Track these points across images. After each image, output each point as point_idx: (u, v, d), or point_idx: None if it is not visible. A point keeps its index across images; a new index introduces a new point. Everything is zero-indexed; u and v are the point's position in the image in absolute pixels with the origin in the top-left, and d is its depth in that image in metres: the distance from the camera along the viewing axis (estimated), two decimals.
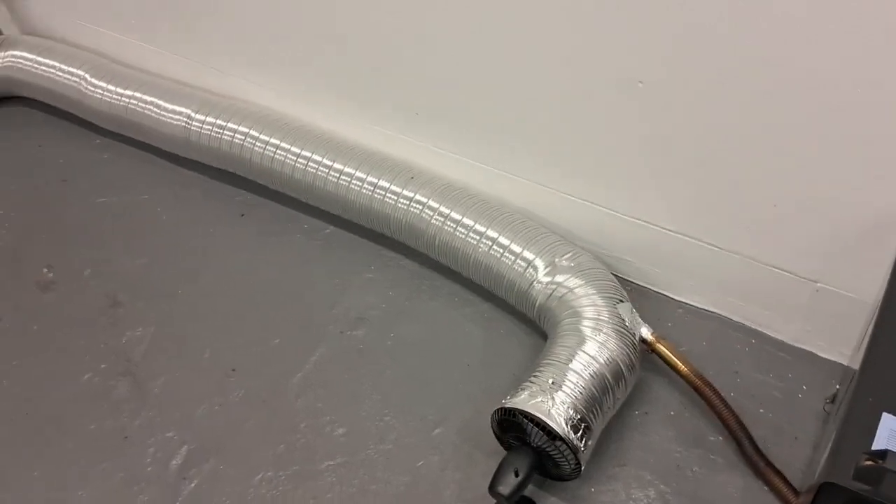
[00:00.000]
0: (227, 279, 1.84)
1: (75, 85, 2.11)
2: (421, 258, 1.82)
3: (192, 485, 1.50)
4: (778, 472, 1.39)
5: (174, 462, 1.53)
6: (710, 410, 1.47)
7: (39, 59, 2.17)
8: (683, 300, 1.70)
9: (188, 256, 1.89)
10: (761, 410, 1.52)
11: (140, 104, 2.01)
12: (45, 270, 1.88)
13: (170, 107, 1.97)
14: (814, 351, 1.59)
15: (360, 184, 1.76)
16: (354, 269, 1.84)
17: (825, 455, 0.96)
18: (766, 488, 1.41)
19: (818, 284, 1.46)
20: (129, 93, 2.03)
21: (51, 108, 2.24)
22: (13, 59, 2.20)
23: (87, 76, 2.10)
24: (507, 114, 1.62)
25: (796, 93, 1.24)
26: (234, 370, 1.67)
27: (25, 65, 2.19)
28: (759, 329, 1.63)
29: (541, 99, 1.54)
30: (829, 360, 1.57)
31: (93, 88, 2.08)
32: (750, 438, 1.43)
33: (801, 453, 1.46)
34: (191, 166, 2.07)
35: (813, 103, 1.24)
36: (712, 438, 1.49)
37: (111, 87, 2.06)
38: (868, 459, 0.90)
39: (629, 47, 1.34)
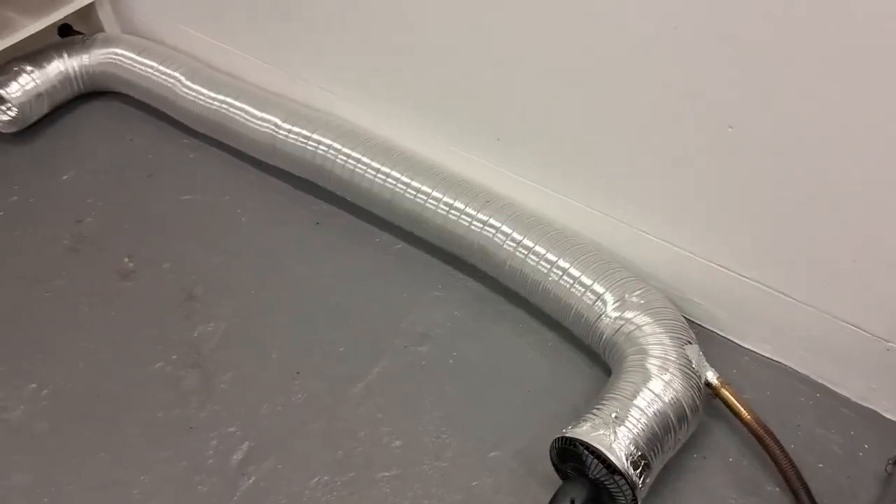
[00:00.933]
0: (298, 284, 1.89)
1: (170, 86, 2.19)
2: (489, 281, 1.85)
3: (251, 481, 1.54)
4: None
5: (235, 457, 1.58)
6: (769, 460, 1.46)
7: (138, 58, 2.27)
8: (750, 347, 1.70)
9: (263, 258, 1.95)
10: (820, 465, 1.51)
11: (231, 109, 2.09)
12: (127, 260, 1.95)
13: (259, 114, 2.04)
14: (878, 410, 1.57)
15: (437, 203, 1.80)
16: (422, 286, 1.87)
17: None
18: None
19: (889, 344, 1.45)
20: (220, 97, 2.11)
21: (144, 106, 2.33)
22: (114, 56, 2.30)
23: (182, 78, 2.19)
24: (589, 147, 1.64)
25: (887, 151, 1.25)
26: (298, 372, 1.71)
27: (125, 62, 2.28)
28: (825, 383, 1.62)
29: (625, 136, 1.56)
30: (894, 422, 1.55)
31: (186, 90, 2.16)
32: (808, 491, 1.41)
33: None
34: (272, 172, 2.13)
35: None
36: (769, 488, 1.48)
37: (204, 91, 2.14)
38: None
39: (725, 90, 1.35)
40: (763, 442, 1.45)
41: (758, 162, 1.41)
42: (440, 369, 1.71)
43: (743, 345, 1.70)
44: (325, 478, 1.54)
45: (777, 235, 1.48)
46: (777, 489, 1.48)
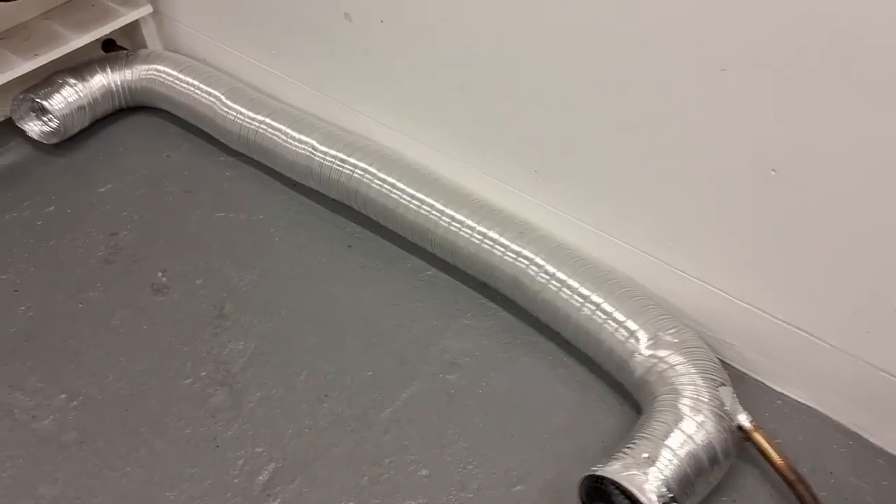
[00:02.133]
0: (328, 306, 1.89)
1: (211, 104, 2.22)
2: (519, 312, 1.84)
3: (276, 503, 1.54)
4: None
5: (260, 477, 1.58)
6: None
7: (180, 75, 2.30)
8: (783, 391, 1.68)
9: (294, 279, 1.96)
10: None
11: (269, 130, 2.11)
12: (160, 274, 1.97)
13: (297, 135, 2.06)
14: None
15: (471, 232, 1.80)
16: (453, 314, 1.87)
17: None
18: None
19: None
20: (260, 118, 2.13)
21: (183, 122, 2.36)
22: (156, 73, 2.34)
23: (222, 97, 2.21)
24: (627, 182, 1.64)
25: None
26: (326, 395, 1.71)
27: (167, 79, 2.32)
28: (859, 432, 1.59)
29: (669, 176, 1.55)
30: None
31: (227, 110, 2.19)
32: None
33: None
34: (307, 194, 2.15)
35: None
36: None
37: (244, 111, 2.16)
38: None
39: (771, 132, 1.35)
40: (795, 488, 1.42)
41: (799, 206, 1.40)
42: (468, 399, 1.70)
43: (776, 388, 1.68)
44: (351, 503, 1.54)
45: (816, 279, 1.46)
46: None
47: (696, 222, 1.57)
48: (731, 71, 1.32)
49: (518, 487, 1.55)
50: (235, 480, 1.58)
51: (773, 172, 1.38)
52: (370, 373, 1.75)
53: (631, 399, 1.65)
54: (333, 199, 2.10)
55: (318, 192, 2.11)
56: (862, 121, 1.24)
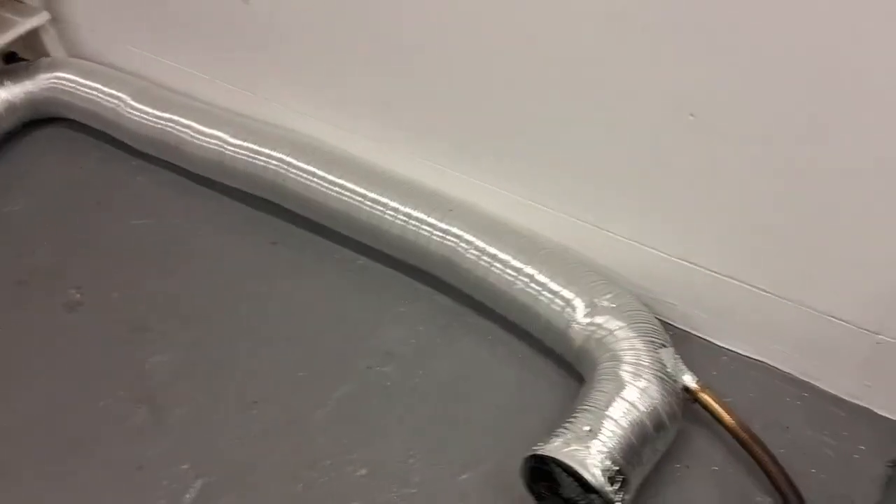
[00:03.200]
0: (255, 308, 1.79)
1: (114, 107, 2.10)
2: (455, 294, 1.75)
3: None
4: None
5: (187, 496, 1.48)
6: (756, 467, 1.37)
7: (83, 81, 2.18)
8: (730, 347, 1.61)
9: (218, 283, 1.85)
10: (813, 470, 1.42)
11: (177, 127, 1.99)
12: (73, 291, 1.85)
13: (207, 130, 1.95)
14: (872, 408, 1.48)
15: (395, 214, 1.71)
16: (386, 303, 1.77)
17: None
18: None
19: (879, 336, 1.36)
20: (167, 115, 2.02)
21: (92, 130, 2.23)
22: (58, 80, 2.21)
23: (127, 99, 2.09)
24: (548, 147, 1.56)
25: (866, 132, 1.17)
26: (256, 402, 1.61)
27: (69, 86, 2.19)
28: (812, 382, 1.53)
29: (592, 133, 1.48)
30: (891, 420, 1.46)
31: (132, 111, 2.07)
32: (801, 500, 1.32)
33: None
34: (226, 192, 2.04)
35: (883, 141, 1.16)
36: (759, 499, 1.39)
37: (150, 111, 2.04)
38: None
39: (688, 74, 1.27)
40: (748, 448, 1.35)
41: (721, 151, 1.33)
42: (406, 389, 1.61)
43: (722, 345, 1.61)
44: None
45: (748, 227, 1.39)
46: (768, 499, 1.38)
47: (621, 180, 1.50)
48: (635, 18, 1.24)
49: (463, 476, 1.47)
50: (161, 502, 1.47)
51: (690, 117, 1.30)
52: (302, 373, 1.65)
53: (575, 372, 1.57)
54: (254, 196, 1.99)
55: (238, 189, 2.00)
56: (778, 57, 1.16)
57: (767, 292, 1.45)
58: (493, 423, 1.54)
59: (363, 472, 1.49)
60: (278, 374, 1.65)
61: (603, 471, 1.23)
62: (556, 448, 1.27)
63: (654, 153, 1.41)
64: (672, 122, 1.33)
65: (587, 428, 1.29)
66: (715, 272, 1.49)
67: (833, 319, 1.39)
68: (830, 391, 1.51)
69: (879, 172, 1.20)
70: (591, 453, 1.25)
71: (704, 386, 1.40)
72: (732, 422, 1.37)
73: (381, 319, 1.74)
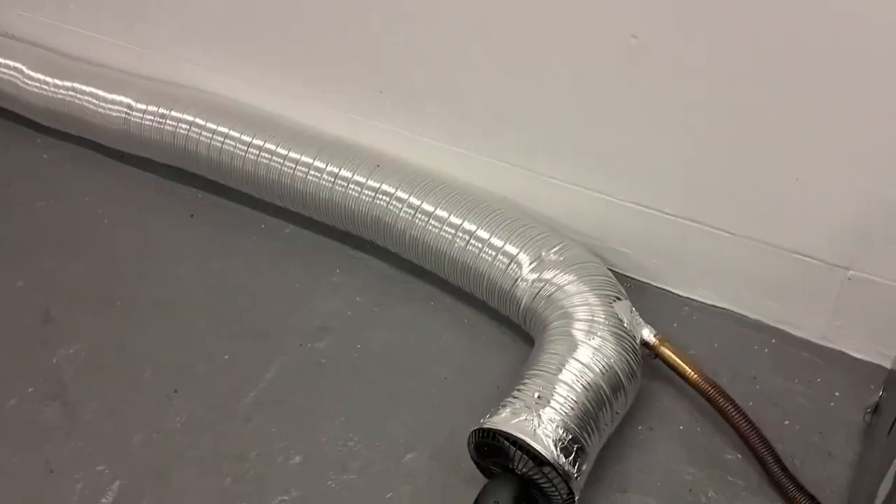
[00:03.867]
0: (172, 288, 1.63)
1: (12, 79, 1.91)
2: (394, 259, 1.61)
3: None
4: (812, 498, 1.18)
5: (103, 500, 1.33)
6: (725, 423, 1.25)
7: None
8: (690, 296, 1.48)
9: (131, 264, 1.69)
10: (786, 422, 1.30)
11: (79, 96, 1.81)
12: None
13: (109, 97, 1.77)
14: (846, 351, 1.37)
15: (319, 174, 1.55)
16: (317, 273, 1.62)
17: (886, 488, 0.74)
18: None
19: (850, 272, 1.24)
20: (68, 84, 1.83)
21: None
22: None
23: (24, 69, 1.90)
24: (482, 89, 1.41)
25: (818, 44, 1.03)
26: (176, 391, 1.46)
27: None
28: (781, 327, 1.41)
29: (520, 71, 1.34)
30: (866, 362, 1.35)
31: (30, 81, 1.88)
32: (775, 456, 1.21)
33: (837, 473, 1.24)
34: (137, 163, 1.87)
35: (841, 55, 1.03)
36: (730, 457, 1.27)
37: (49, 80, 1.86)
38: None
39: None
40: (715, 403, 1.24)
41: (673, 80, 1.19)
42: (342, 366, 1.47)
43: (682, 294, 1.49)
44: None
45: (707, 165, 1.26)
46: (739, 456, 1.27)
47: (560, 119, 1.36)
48: None
49: (408, 457, 1.33)
50: None
51: (633, 39, 1.15)
52: (226, 356, 1.50)
53: (526, 334, 1.43)
54: (168, 165, 1.82)
55: (149, 159, 1.82)
56: None
57: (727, 232, 1.32)
58: (440, 396, 1.40)
59: (297, 459, 1.34)
60: (199, 359, 1.50)
61: (556, 441, 1.10)
62: (504, 420, 1.13)
63: (594, 86, 1.27)
64: (614, 47, 1.19)
65: (537, 395, 1.15)
66: (669, 214, 1.36)
67: (800, 257, 1.27)
68: (801, 336, 1.40)
69: (835, 101, 1.07)
70: (542, 423, 1.12)
71: (664, 339, 1.28)
72: (696, 376, 1.25)
73: (312, 292, 1.59)
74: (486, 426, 1.14)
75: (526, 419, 1.12)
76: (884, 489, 0.74)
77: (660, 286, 1.50)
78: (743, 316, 1.44)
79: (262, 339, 1.52)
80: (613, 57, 1.21)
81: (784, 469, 1.20)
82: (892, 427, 0.95)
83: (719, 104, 1.18)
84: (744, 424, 1.22)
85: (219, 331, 1.54)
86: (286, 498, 1.30)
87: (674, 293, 1.49)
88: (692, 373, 1.25)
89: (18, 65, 1.91)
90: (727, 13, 1.08)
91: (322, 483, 1.31)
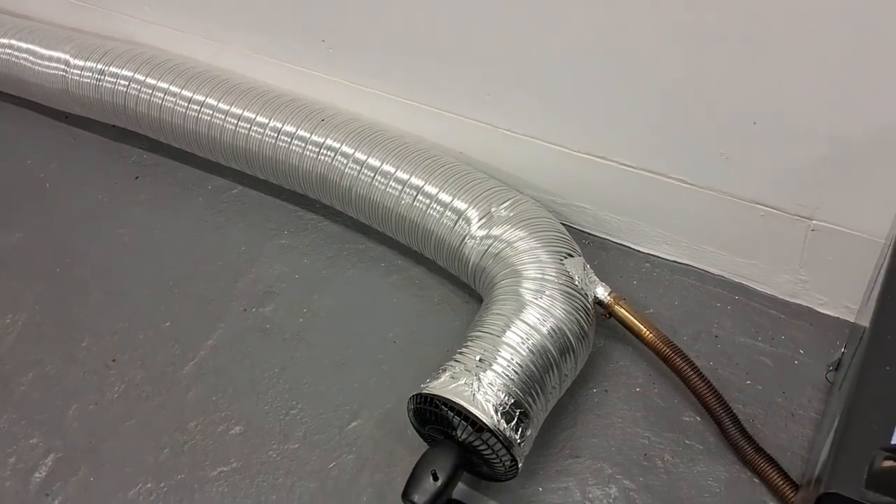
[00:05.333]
0: (113, 253, 1.56)
1: None
2: (345, 219, 1.54)
3: (56, 502, 1.23)
4: (770, 460, 1.11)
5: (37, 475, 1.27)
6: (683, 385, 1.18)
7: None
8: (651, 252, 1.41)
9: (71, 228, 1.61)
10: (748, 382, 1.24)
11: (16, 53, 1.72)
12: None
13: (47, 53, 1.68)
14: (812, 306, 1.29)
15: (262, 130, 1.47)
16: (265, 235, 1.55)
17: (826, 449, 0.68)
18: (756, 480, 1.13)
19: (813, 222, 1.16)
20: (4, 41, 1.73)
21: None
22: None
23: None
24: (428, 37, 1.32)
25: None
26: (114, 360, 1.40)
27: None
28: (745, 283, 1.33)
29: (465, 16, 1.25)
30: (832, 317, 1.28)
31: None
32: (733, 418, 1.14)
33: (799, 434, 1.17)
34: (82, 124, 1.78)
35: None
36: (687, 419, 1.21)
37: None
38: (888, 458, 0.61)
39: None
40: (670, 363, 1.17)
41: (617, 21, 1.10)
42: (288, 332, 1.40)
43: (641, 249, 1.41)
44: (149, 485, 1.24)
45: (658, 109, 1.17)
46: (697, 418, 1.21)
47: (512, 67, 1.26)
48: None
49: (353, 424, 1.27)
50: (7, 484, 1.27)
51: None
52: (167, 323, 1.43)
53: (477, 295, 1.36)
54: (113, 126, 1.73)
55: (94, 120, 1.74)
56: None
57: (687, 183, 1.24)
58: (388, 361, 1.34)
59: (237, 429, 1.29)
60: (139, 327, 1.43)
61: (496, 406, 1.04)
62: (442, 384, 1.07)
63: (546, 32, 1.18)
64: None
65: (478, 357, 1.09)
66: (627, 165, 1.27)
67: (761, 207, 1.19)
68: (766, 291, 1.32)
69: (789, 39, 0.99)
70: (482, 387, 1.05)
71: (619, 297, 1.21)
72: (651, 335, 1.18)
73: (259, 254, 1.52)
74: (424, 392, 1.07)
75: (465, 383, 1.06)
76: (826, 448, 0.67)
77: (621, 243, 1.42)
78: (706, 272, 1.36)
79: (205, 305, 1.45)
80: (565, 3, 1.12)
81: (742, 431, 1.14)
82: (841, 383, 0.88)
83: (667, 49, 1.09)
84: (700, 385, 1.15)
85: (161, 297, 1.47)
86: (225, 469, 1.24)
87: (635, 249, 1.42)
88: (647, 332, 1.18)
89: None
90: None
91: (263, 453, 1.25)
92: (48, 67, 1.67)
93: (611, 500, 1.14)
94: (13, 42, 1.73)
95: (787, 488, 1.08)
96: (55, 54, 1.67)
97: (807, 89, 1.02)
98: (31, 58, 1.70)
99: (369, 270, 1.47)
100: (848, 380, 0.74)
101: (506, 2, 1.18)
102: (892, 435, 0.64)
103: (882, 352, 0.71)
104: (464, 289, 1.41)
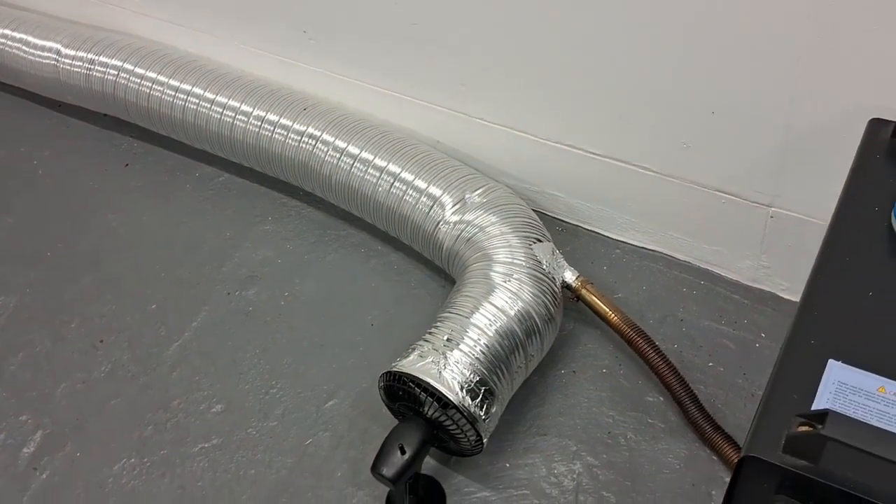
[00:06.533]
0: (103, 239, 1.60)
1: None
2: (326, 206, 1.58)
3: (44, 476, 1.29)
4: (728, 438, 1.16)
5: (26, 450, 1.32)
6: (647, 366, 1.23)
7: None
8: (620, 238, 1.45)
9: (62, 215, 1.66)
10: (710, 364, 1.28)
11: (9, 43, 1.76)
12: None
13: (40, 43, 1.72)
14: (773, 291, 1.33)
15: (246, 118, 1.51)
16: (249, 221, 1.59)
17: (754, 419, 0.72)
18: (714, 457, 1.18)
19: (772, 209, 1.20)
20: None
21: None
22: None
23: None
24: (405, 28, 1.36)
25: None
26: (101, 341, 1.44)
27: None
28: (709, 268, 1.38)
29: (442, 8, 1.29)
30: (792, 302, 1.32)
31: None
32: (694, 398, 1.19)
33: None
34: (74, 113, 1.82)
35: None
36: (651, 399, 1.25)
37: None
38: (803, 424, 0.65)
39: None
40: (634, 345, 1.21)
41: (582, 15, 1.14)
42: (269, 314, 1.45)
43: (611, 236, 1.46)
44: (132, 460, 1.29)
45: (619, 98, 1.22)
46: (660, 398, 1.25)
47: (482, 58, 1.31)
48: None
49: (329, 403, 1.32)
50: None
51: None
52: (153, 306, 1.48)
53: (452, 278, 1.41)
54: (105, 115, 1.78)
55: (87, 109, 1.78)
56: None
57: (652, 171, 1.28)
58: (365, 343, 1.38)
59: (218, 408, 1.33)
60: (127, 310, 1.48)
61: (462, 384, 1.08)
62: (410, 363, 1.11)
63: (516, 25, 1.22)
64: None
65: (446, 337, 1.13)
66: (595, 154, 1.32)
67: (723, 195, 1.24)
68: (730, 277, 1.37)
69: (745, 32, 1.03)
70: (448, 365, 1.09)
71: (586, 282, 1.26)
72: (616, 318, 1.22)
73: (243, 240, 1.56)
74: (393, 370, 1.12)
75: (432, 361, 1.10)
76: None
77: (592, 229, 1.47)
78: (673, 258, 1.41)
79: (190, 289, 1.50)
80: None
81: (702, 410, 1.18)
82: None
83: (629, 35, 1.13)
84: (662, 366, 1.20)
85: (148, 281, 1.52)
86: (206, 445, 1.29)
87: (605, 236, 1.46)
88: (613, 315, 1.23)
89: None
90: None
91: (243, 430, 1.30)
92: (41, 57, 1.71)
93: (575, 476, 1.19)
94: (6, 31, 1.77)
95: None
96: (48, 44, 1.71)
97: (761, 81, 1.06)
98: (24, 47, 1.74)
99: (349, 256, 1.52)
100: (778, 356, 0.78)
101: (475, 6, 1.23)
102: (811, 403, 0.69)
103: (807, 327, 0.76)
104: (440, 274, 1.45)
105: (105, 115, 1.78)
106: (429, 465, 1.19)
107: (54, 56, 1.69)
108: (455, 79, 1.37)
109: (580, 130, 1.31)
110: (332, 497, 1.21)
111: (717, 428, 1.17)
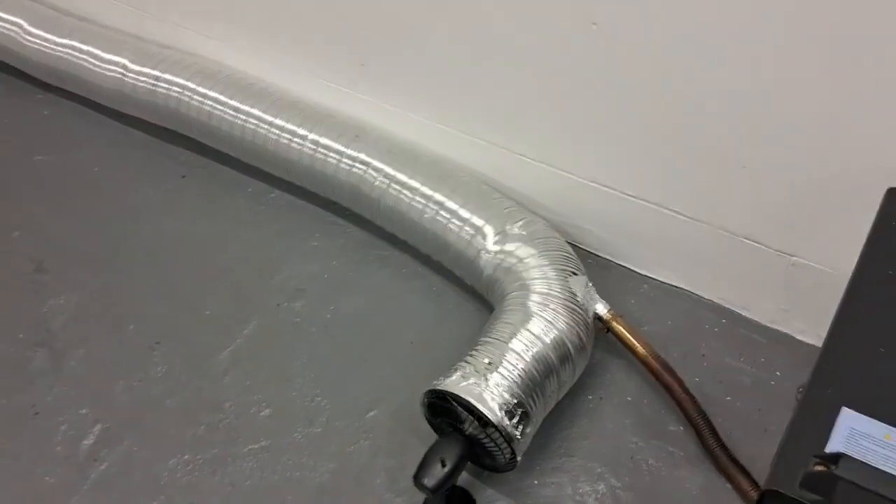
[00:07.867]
0: (161, 245, 1.70)
1: (12, 34, 1.96)
2: (371, 227, 1.67)
3: (102, 467, 1.38)
4: (742, 469, 1.25)
5: (85, 442, 1.41)
6: (669, 397, 1.32)
7: None
8: (649, 274, 1.54)
9: (123, 220, 1.76)
10: (728, 398, 1.37)
11: (77, 54, 1.87)
12: None
13: (106, 56, 1.83)
14: (791, 333, 1.43)
15: (302, 142, 1.61)
16: (298, 237, 1.69)
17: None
18: (728, 486, 1.26)
19: (793, 258, 1.30)
20: (66, 42, 1.89)
21: None
22: None
23: (24, 24, 1.96)
24: (462, 69, 1.46)
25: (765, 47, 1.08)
26: (158, 343, 1.54)
27: None
28: (732, 308, 1.47)
29: (500, 54, 1.39)
30: (807, 344, 1.41)
31: (30, 38, 1.93)
32: (712, 429, 1.28)
33: (770, 447, 1.27)
34: (135, 124, 1.93)
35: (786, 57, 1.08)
36: (672, 429, 1.34)
37: (49, 37, 1.91)
38: (819, 464, 0.75)
39: None
40: (659, 377, 1.30)
41: (627, 68, 1.24)
42: (315, 326, 1.54)
43: (641, 272, 1.55)
44: (186, 457, 1.38)
45: (662, 148, 1.31)
46: (681, 428, 1.34)
47: (529, 100, 1.41)
48: None
49: (370, 414, 1.41)
50: (58, 448, 1.40)
51: (593, 26, 1.20)
52: (207, 312, 1.58)
53: (488, 303, 1.50)
54: (163, 127, 1.88)
55: (146, 120, 1.88)
56: None
57: (683, 215, 1.37)
58: (404, 358, 1.48)
59: (267, 412, 1.43)
60: (182, 314, 1.57)
61: (501, 405, 1.18)
62: (454, 382, 1.20)
63: (558, 70, 1.32)
64: (576, 33, 1.23)
65: (487, 361, 1.23)
66: (628, 195, 1.41)
67: (749, 242, 1.33)
68: (750, 317, 1.46)
69: (777, 89, 1.12)
70: (488, 387, 1.19)
71: (616, 315, 1.35)
72: (644, 351, 1.32)
73: (292, 254, 1.66)
74: (437, 388, 1.21)
75: (474, 383, 1.19)
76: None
77: (622, 264, 1.56)
78: (698, 296, 1.50)
79: (241, 298, 1.59)
80: (577, 43, 1.25)
81: (719, 441, 1.27)
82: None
83: (670, 93, 1.23)
84: (685, 398, 1.29)
85: (202, 288, 1.62)
86: (255, 447, 1.38)
87: (635, 271, 1.55)
88: (640, 348, 1.32)
89: (19, 20, 1.97)
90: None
91: (289, 435, 1.39)
92: (107, 70, 1.82)
93: (598, 496, 1.28)
94: (74, 43, 1.88)
95: (754, 493, 1.21)
96: (114, 58, 1.81)
97: (789, 140, 1.16)
98: (90, 59, 1.85)
99: (392, 275, 1.61)
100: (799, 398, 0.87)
101: (522, 38, 1.32)
102: (825, 445, 0.78)
103: (825, 376, 0.85)
104: (475, 297, 1.54)
105: (163, 127, 1.88)
106: (463, 478, 1.28)
107: (120, 70, 1.80)
108: (500, 119, 1.47)
109: (619, 173, 1.40)
110: (372, 502, 1.30)
111: (733, 458, 1.26)
